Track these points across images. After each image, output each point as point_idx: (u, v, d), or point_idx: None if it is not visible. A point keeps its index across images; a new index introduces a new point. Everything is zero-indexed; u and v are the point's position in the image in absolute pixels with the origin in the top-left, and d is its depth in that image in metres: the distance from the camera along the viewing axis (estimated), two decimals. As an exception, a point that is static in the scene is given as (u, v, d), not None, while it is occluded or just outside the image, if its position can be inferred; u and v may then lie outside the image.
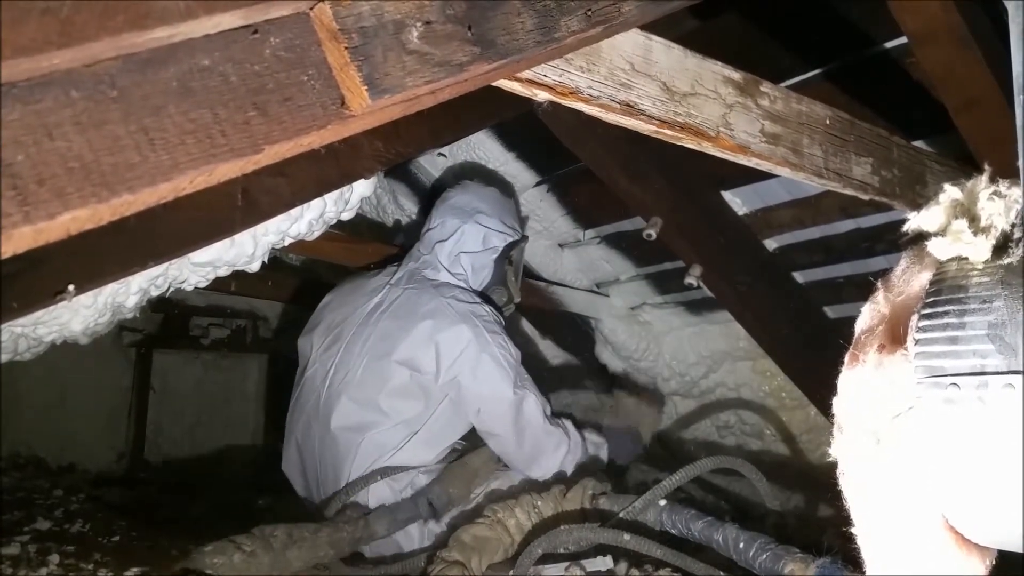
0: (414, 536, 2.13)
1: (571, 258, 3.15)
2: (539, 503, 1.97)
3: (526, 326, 3.40)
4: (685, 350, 3.11)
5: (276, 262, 2.99)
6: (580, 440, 2.38)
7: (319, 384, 2.39)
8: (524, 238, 2.69)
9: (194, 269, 1.82)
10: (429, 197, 2.87)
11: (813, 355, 2.53)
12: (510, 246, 2.58)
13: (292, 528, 1.86)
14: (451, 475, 2.21)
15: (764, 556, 1.56)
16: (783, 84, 1.60)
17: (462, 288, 2.45)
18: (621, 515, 1.89)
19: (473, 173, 2.86)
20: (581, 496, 2.02)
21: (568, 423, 2.40)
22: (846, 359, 0.74)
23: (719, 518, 1.76)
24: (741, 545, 1.62)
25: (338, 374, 2.33)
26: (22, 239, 0.59)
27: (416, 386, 2.25)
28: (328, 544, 1.89)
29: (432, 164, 2.90)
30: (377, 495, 2.16)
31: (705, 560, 1.74)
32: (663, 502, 1.89)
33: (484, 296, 2.51)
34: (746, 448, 2.97)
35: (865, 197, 1.56)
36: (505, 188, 2.78)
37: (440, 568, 1.77)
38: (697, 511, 1.83)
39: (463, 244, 2.50)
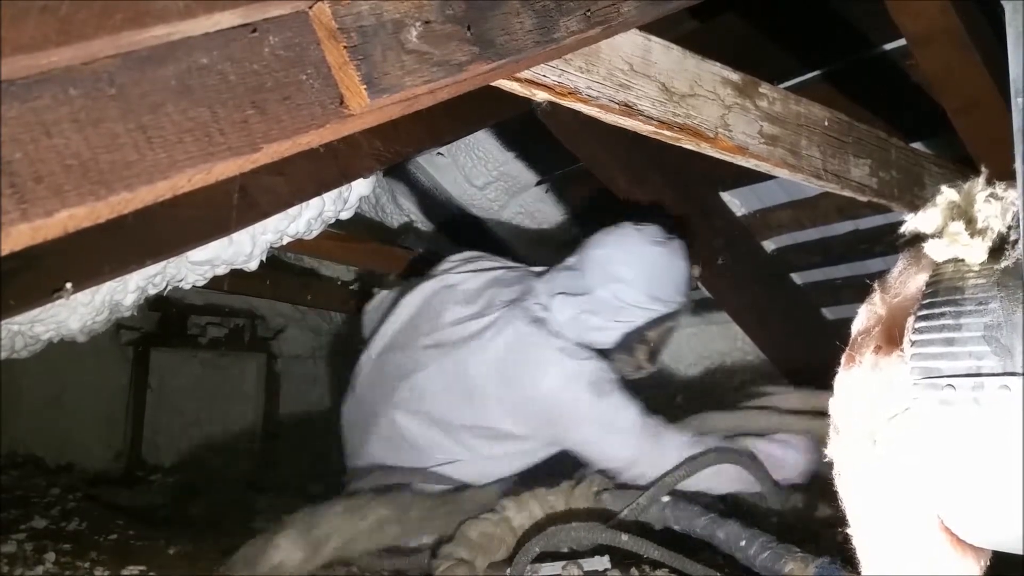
0: None
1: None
2: (551, 498, 1.97)
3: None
4: (684, 350, 3.11)
5: (274, 261, 2.98)
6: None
7: (396, 379, 2.22)
8: (673, 314, 2.20)
9: (192, 268, 1.82)
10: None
11: (811, 356, 2.54)
12: (654, 322, 2.16)
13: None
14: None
15: (765, 555, 1.56)
16: (782, 85, 1.60)
17: (578, 346, 2.11)
18: (625, 512, 1.89)
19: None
20: (588, 491, 2.02)
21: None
22: (843, 360, 0.74)
23: (721, 515, 1.76)
24: (742, 543, 1.63)
25: (427, 383, 2.15)
26: (20, 237, 0.59)
27: (511, 437, 2.12)
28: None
29: (431, 164, 2.89)
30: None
31: (702, 561, 1.74)
32: (666, 498, 1.89)
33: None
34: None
35: (863, 199, 1.57)
36: (674, 251, 2.17)
37: (447, 566, 1.76)
38: (700, 508, 1.83)
39: (590, 310, 2.12)
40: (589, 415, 2.02)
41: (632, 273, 2.10)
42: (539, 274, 2.27)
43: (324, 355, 4.40)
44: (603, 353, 2.14)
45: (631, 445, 2.00)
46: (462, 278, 2.33)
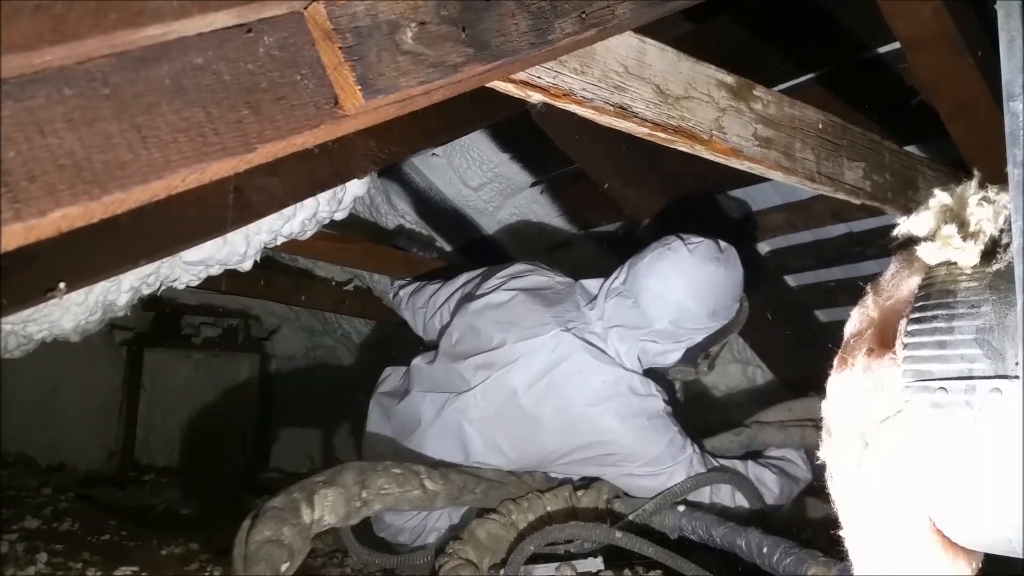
0: (427, 524, 2.13)
1: (563, 259, 3.16)
2: (549, 507, 1.97)
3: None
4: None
5: (269, 261, 2.98)
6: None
7: (447, 391, 2.17)
8: (733, 322, 2.16)
9: (186, 268, 1.82)
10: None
11: (804, 358, 2.54)
12: (716, 335, 2.13)
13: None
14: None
15: (788, 560, 1.58)
16: (776, 88, 1.60)
17: (636, 377, 2.07)
18: (631, 517, 1.91)
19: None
20: (596, 498, 2.03)
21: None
22: (835, 363, 0.75)
23: (740, 523, 1.78)
24: (764, 550, 1.64)
25: (482, 401, 2.09)
26: (12, 236, 0.59)
27: (550, 461, 2.09)
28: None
29: (426, 164, 2.89)
30: None
31: (696, 561, 1.75)
32: (681, 508, 1.91)
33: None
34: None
35: (857, 201, 1.57)
36: (731, 264, 2.09)
37: (452, 566, 1.75)
38: (717, 517, 1.84)
39: (650, 339, 2.08)
40: (646, 454, 2.00)
41: (694, 302, 2.04)
42: (587, 293, 2.20)
43: (318, 355, 4.40)
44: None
45: (682, 475, 2.01)
46: (507, 296, 2.23)
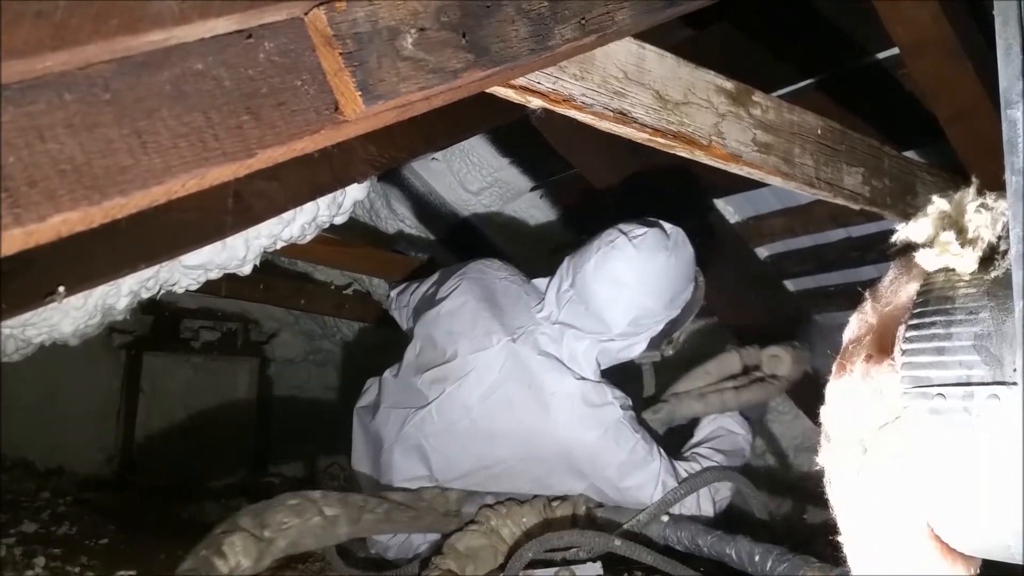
0: (413, 541, 2.11)
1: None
2: (524, 518, 1.97)
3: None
4: (675, 356, 3.12)
5: (268, 265, 2.98)
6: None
7: (406, 408, 2.14)
8: (693, 301, 2.11)
9: (185, 272, 1.82)
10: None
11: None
12: (676, 320, 2.10)
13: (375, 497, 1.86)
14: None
15: (782, 567, 1.56)
16: (775, 94, 1.60)
17: (595, 384, 2.02)
18: (626, 525, 1.89)
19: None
20: (572, 508, 2.02)
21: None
22: (834, 369, 0.75)
23: (728, 531, 1.76)
24: (756, 558, 1.62)
25: (438, 417, 2.05)
26: (12, 241, 0.59)
27: (510, 474, 2.05)
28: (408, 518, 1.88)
29: (426, 169, 2.90)
30: None
31: (693, 567, 1.74)
32: (665, 517, 1.89)
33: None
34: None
35: (856, 207, 1.57)
36: (679, 246, 2.01)
37: None
38: (703, 525, 1.83)
39: (608, 340, 2.03)
40: (607, 464, 1.95)
41: (651, 298, 1.98)
42: (538, 293, 2.15)
43: (317, 360, 4.39)
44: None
45: (648, 491, 1.96)
46: (458, 303, 2.18)
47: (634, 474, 1.95)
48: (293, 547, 1.70)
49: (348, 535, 1.81)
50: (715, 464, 2.09)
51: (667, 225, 2.01)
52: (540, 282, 2.19)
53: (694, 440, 2.22)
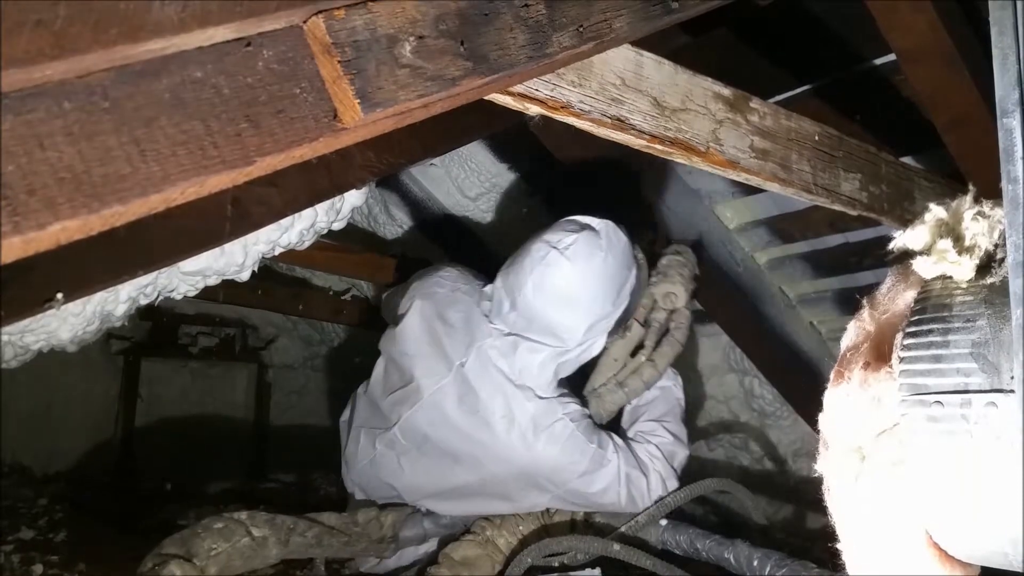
0: (406, 554, 2.11)
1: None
2: (521, 526, 1.97)
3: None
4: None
5: (266, 271, 2.98)
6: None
7: (374, 429, 2.17)
8: (639, 289, 2.11)
9: (183, 278, 1.82)
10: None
11: (802, 370, 2.55)
12: (628, 310, 2.10)
13: (303, 519, 1.83)
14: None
15: (781, 572, 1.57)
16: (773, 100, 1.61)
17: (547, 400, 2.01)
18: (623, 529, 1.90)
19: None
20: (571, 513, 2.02)
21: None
22: (832, 376, 0.75)
23: (726, 535, 1.77)
24: (755, 563, 1.63)
25: (403, 439, 2.08)
26: (11, 249, 0.59)
27: (475, 495, 2.07)
28: (341, 541, 1.86)
29: (424, 175, 2.90)
30: None
31: (691, 571, 1.74)
32: (664, 521, 1.90)
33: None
34: (736, 462, 2.97)
35: (853, 212, 1.58)
36: (612, 241, 1.99)
37: None
38: (702, 529, 1.83)
39: (562, 352, 2.01)
40: (571, 473, 1.95)
41: (599, 303, 1.96)
42: (484, 303, 2.11)
43: (315, 365, 4.39)
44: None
45: (615, 489, 1.96)
46: (414, 321, 2.16)
47: (596, 480, 1.95)
48: (226, 570, 1.69)
49: (278, 556, 1.80)
50: (668, 434, 2.12)
51: (594, 222, 1.98)
52: (489, 288, 2.16)
53: (630, 417, 2.22)
